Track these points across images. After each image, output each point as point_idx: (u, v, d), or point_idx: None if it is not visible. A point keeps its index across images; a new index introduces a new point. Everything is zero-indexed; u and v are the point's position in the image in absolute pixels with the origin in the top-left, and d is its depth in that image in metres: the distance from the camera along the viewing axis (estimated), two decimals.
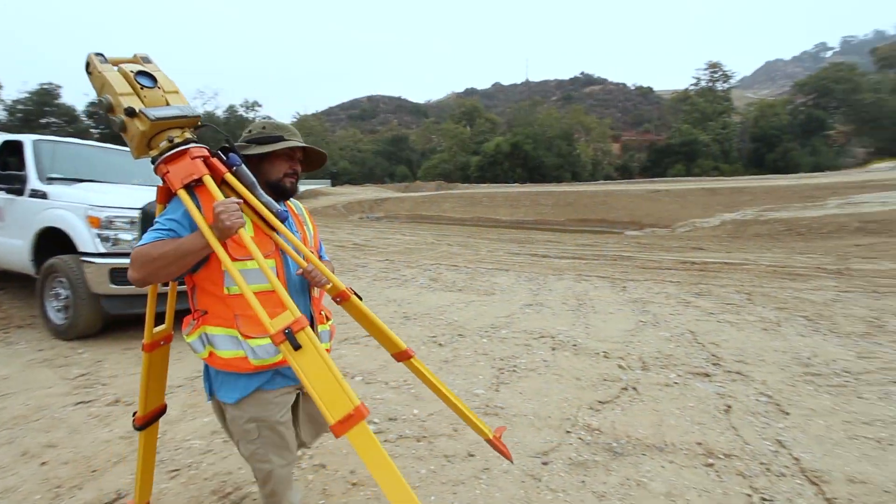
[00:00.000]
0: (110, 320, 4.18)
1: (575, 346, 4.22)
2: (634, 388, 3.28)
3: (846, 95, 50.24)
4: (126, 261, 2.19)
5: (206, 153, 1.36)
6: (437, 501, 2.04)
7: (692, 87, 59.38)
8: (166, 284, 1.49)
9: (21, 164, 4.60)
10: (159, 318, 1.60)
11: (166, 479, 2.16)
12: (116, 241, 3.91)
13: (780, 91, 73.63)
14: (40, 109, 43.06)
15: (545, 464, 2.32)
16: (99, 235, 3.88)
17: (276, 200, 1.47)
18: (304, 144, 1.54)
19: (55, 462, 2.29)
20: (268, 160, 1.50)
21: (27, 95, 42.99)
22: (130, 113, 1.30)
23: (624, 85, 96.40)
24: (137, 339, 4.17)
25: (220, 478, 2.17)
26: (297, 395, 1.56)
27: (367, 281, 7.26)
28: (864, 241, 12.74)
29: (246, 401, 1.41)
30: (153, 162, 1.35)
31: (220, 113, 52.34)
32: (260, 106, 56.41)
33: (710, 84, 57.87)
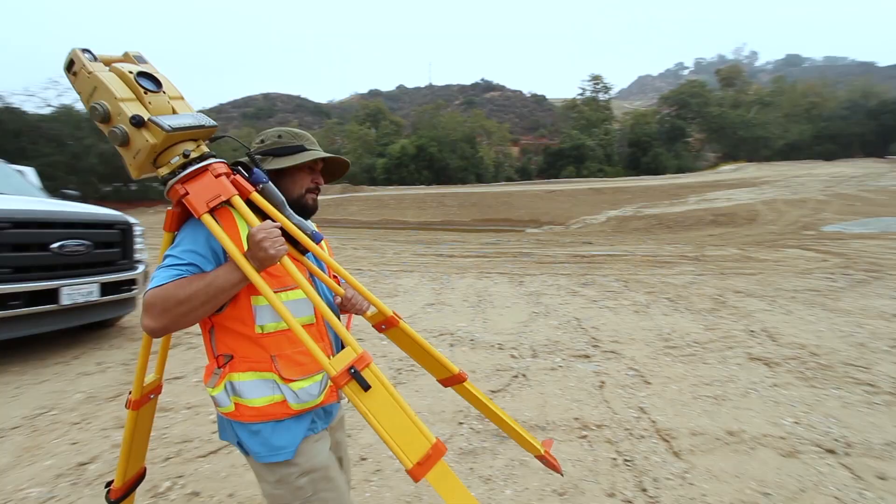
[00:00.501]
0: None
1: (472, 340, 4.38)
2: (524, 375, 3.50)
3: (699, 108, 59.11)
4: None
5: (229, 169, 1.17)
6: None
7: (579, 97, 65.16)
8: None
9: None
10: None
11: None
12: None
13: (650, 102, 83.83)
14: None
15: None
16: None
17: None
18: (329, 155, 1.38)
19: None
20: (288, 174, 1.31)
21: None
22: (138, 123, 1.07)
23: (520, 92, 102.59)
24: (6, 364, 3.50)
25: None
26: None
27: None
28: (715, 232, 15.02)
29: (297, 451, 1.20)
30: (163, 182, 1.12)
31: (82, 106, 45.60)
32: None
33: (594, 94, 64.03)
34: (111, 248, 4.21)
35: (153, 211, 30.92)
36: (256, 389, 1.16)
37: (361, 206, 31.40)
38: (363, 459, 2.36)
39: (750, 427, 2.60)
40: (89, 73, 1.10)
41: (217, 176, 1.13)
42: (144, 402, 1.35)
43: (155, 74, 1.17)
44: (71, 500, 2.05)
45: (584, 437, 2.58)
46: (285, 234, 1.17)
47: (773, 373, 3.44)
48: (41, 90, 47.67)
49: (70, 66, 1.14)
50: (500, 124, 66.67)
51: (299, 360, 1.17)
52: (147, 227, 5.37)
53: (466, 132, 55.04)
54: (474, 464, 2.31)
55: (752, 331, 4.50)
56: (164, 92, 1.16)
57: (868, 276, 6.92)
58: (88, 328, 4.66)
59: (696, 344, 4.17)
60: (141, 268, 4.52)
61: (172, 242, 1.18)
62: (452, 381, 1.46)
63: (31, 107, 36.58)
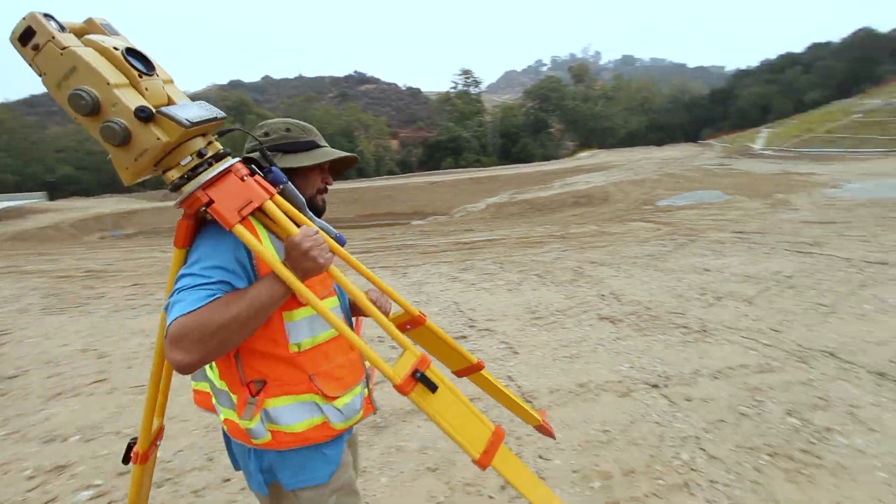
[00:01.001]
0: None
1: None
2: None
3: (558, 101, 65.81)
4: None
5: (247, 170, 1.01)
6: None
7: (452, 90, 67.69)
8: None
9: None
10: None
11: None
12: None
13: (516, 96, 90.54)
14: None
15: None
16: None
17: None
18: (346, 154, 1.25)
19: None
20: (301, 173, 1.18)
21: None
22: (146, 116, 0.82)
23: (396, 85, 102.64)
24: None
25: None
26: None
27: (102, 315, 5.83)
28: (577, 212, 16.86)
29: (334, 472, 1.14)
30: (173, 189, 0.90)
31: None
32: None
33: (466, 88, 67.07)
34: None
35: None
36: (295, 414, 1.07)
37: None
38: (226, 481, 2.19)
39: (596, 377, 3.00)
40: (62, 48, 0.82)
41: (241, 178, 0.98)
42: (150, 452, 1.23)
43: (143, 53, 0.93)
44: None
45: None
46: None
47: (617, 328, 3.99)
48: None
49: (26, 37, 0.84)
50: (378, 118, 66.19)
51: (337, 374, 1.12)
52: None
53: (343, 126, 53.64)
54: None
55: (602, 295, 5.16)
56: (157, 75, 0.94)
57: (687, 240, 8.39)
58: None
59: (559, 312, 4.65)
60: None
61: (185, 261, 1.00)
62: (470, 370, 1.46)
63: None
